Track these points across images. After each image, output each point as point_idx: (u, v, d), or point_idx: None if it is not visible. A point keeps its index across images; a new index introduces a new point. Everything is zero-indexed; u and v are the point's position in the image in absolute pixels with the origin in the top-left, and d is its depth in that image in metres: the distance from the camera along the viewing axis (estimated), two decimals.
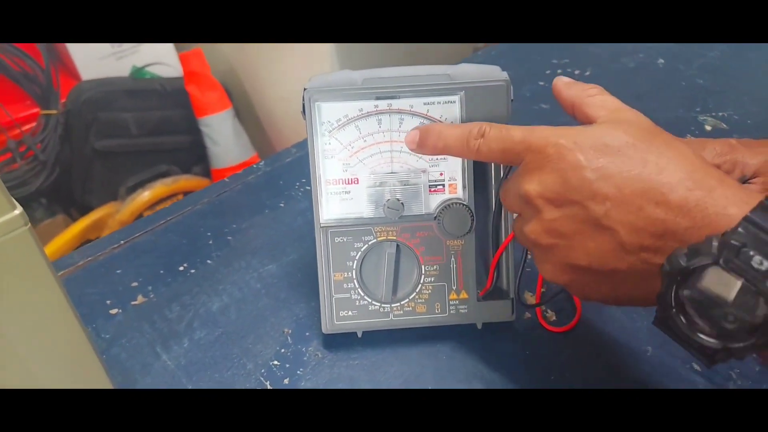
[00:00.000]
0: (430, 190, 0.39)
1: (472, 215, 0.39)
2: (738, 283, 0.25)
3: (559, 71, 0.72)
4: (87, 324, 0.44)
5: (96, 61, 1.45)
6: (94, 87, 1.41)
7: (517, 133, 0.32)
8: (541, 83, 0.69)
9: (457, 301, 0.41)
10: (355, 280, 0.40)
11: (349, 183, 0.39)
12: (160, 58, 1.48)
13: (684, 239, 0.27)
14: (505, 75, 0.39)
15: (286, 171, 0.57)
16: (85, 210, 1.47)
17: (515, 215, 0.35)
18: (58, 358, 0.32)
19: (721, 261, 0.25)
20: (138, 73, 1.47)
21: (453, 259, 0.40)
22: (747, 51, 0.73)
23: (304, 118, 0.39)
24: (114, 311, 0.45)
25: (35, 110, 1.40)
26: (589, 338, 0.42)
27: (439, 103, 0.38)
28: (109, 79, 1.43)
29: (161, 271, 0.48)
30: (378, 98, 0.38)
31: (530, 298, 0.44)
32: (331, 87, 0.38)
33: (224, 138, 1.46)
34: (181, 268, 0.48)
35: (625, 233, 0.28)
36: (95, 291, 0.47)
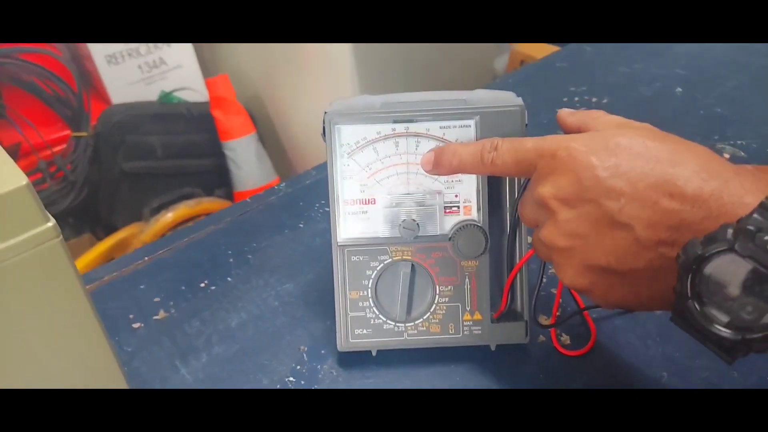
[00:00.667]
0: (445, 212, 0.40)
1: (487, 237, 0.40)
2: (749, 267, 0.24)
3: (576, 99, 0.73)
4: (110, 337, 0.45)
5: (126, 86, 1.51)
6: (123, 111, 1.46)
7: (529, 142, 0.33)
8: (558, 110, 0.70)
9: (471, 322, 0.41)
10: (370, 299, 0.41)
11: (366, 203, 0.40)
12: (188, 84, 1.53)
13: (700, 230, 0.27)
14: (519, 100, 0.40)
15: (306, 192, 0.59)
16: (110, 230, 1.51)
17: (533, 237, 0.35)
18: (83, 369, 0.34)
19: (736, 246, 0.25)
20: (166, 97, 1.51)
21: (467, 280, 0.41)
22: (764, 79, 0.73)
23: (324, 140, 0.40)
24: (137, 325, 0.46)
25: (66, 132, 1.45)
26: (604, 363, 0.42)
27: (455, 127, 0.39)
28: (138, 103, 1.48)
29: (182, 287, 0.49)
30: (396, 122, 0.39)
31: (545, 322, 0.44)
32: (351, 110, 0.40)
33: (247, 162, 1.49)
34: (202, 285, 0.49)
35: (642, 228, 0.28)
36: (119, 305, 0.48)
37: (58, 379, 0.33)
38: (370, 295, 0.41)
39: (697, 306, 0.26)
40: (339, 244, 0.40)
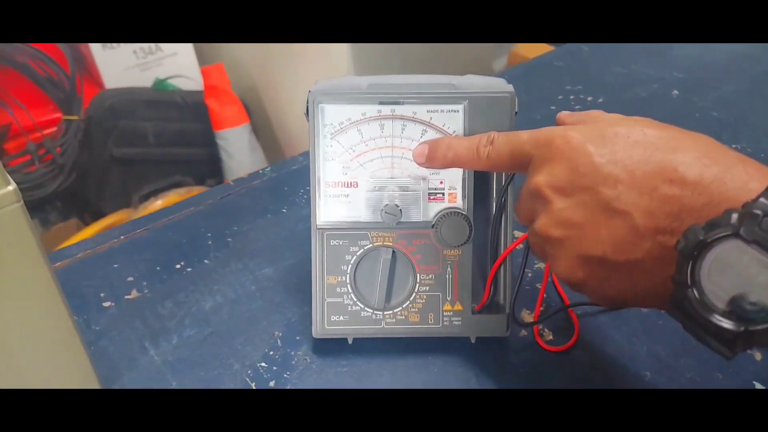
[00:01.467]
0: (429, 198, 0.39)
1: (471, 225, 0.39)
2: (755, 253, 0.23)
3: (571, 97, 0.72)
4: (78, 315, 0.44)
5: (120, 71, 1.49)
6: (116, 95, 1.44)
7: (524, 134, 0.32)
8: (553, 107, 0.69)
9: (451, 313, 0.40)
10: (348, 285, 0.39)
11: (348, 186, 0.39)
12: (183, 71, 1.51)
13: (701, 217, 0.25)
14: (510, 87, 0.39)
15: (292, 178, 0.57)
16: (98, 215, 1.49)
17: (529, 233, 0.34)
18: (42, 340, 0.32)
19: (741, 231, 0.23)
20: (160, 84, 1.50)
21: (449, 269, 0.39)
22: (762, 86, 0.72)
23: (308, 120, 0.39)
24: (107, 304, 0.45)
25: (57, 115, 1.43)
26: (586, 360, 0.40)
27: (442, 111, 0.38)
28: (131, 88, 1.46)
29: (158, 268, 0.48)
30: (381, 103, 0.38)
31: (528, 317, 0.43)
32: (336, 90, 0.38)
33: (240, 152, 1.48)
34: (178, 266, 0.48)
35: (639, 216, 0.27)
36: (90, 283, 0.46)
37: (16, 348, 0.31)
38: (348, 281, 0.39)
39: (696, 294, 0.25)
40: (318, 226, 0.39)
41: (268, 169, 0.58)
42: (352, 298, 0.40)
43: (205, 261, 0.48)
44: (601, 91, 0.73)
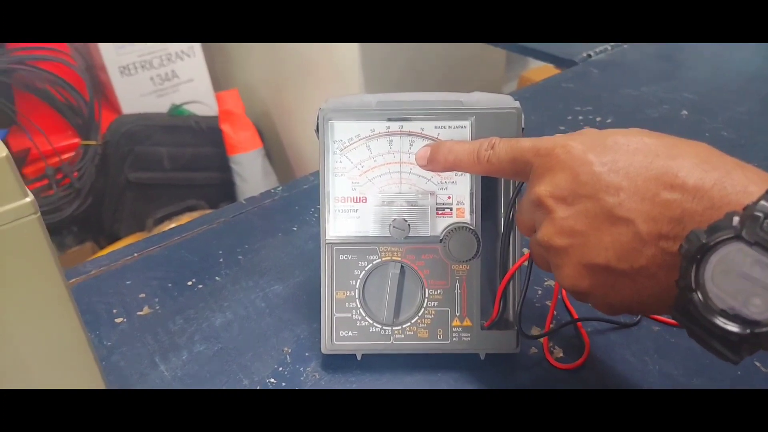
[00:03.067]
0: (437, 213, 0.39)
1: (479, 240, 0.39)
2: (757, 255, 0.23)
3: (580, 118, 0.72)
4: (91, 331, 0.44)
5: (138, 97, 1.52)
6: (133, 121, 1.47)
7: (526, 142, 0.32)
8: (562, 128, 0.70)
9: (460, 329, 0.40)
10: (357, 300, 0.40)
11: (357, 201, 0.39)
12: (198, 97, 1.54)
13: (703, 221, 0.26)
14: (517, 103, 0.39)
15: (303, 197, 0.58)
16: (112, 239, 1.51)
17: (530, 243, 0.34)
18: (55, 351, 0.33)
19: (743, 233, 0.23)
20: (176, 110, 1.53)
21: (458, 284, 0.40)
22: None
23: (318, 137, 0.39)
24: (119, 320, 0.45)
25: (76, 140, 1.46)
26: (597, 378, 0.40)
27: (450, 127, 0.39)
28: (147, 114, 1.49)
29: (169, 285, 0.48)
30: (390, 120, 0.39)
31: (537, 333, 0.43)
32: (346, 107, 0.39)
33: (253, 175, 1.49)
34: (190, 283, 0.48)
35: (642, 222, 0.27)
36: (103, 300, 0.47)
37: (29, 359, 0.32)
38: (357, 296, 0.39)
39: (701, 298, 0.25)
40: (327, 241, 0.39)
41: (279, 188, 0.59)
42: (360, 314, 0.40)
43: (216, 278, 0.49)
44: (611, 113, 0.73)
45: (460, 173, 0.39)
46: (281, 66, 1.51)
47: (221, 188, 1.53)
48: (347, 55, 1.30)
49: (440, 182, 0.39)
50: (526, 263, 0.39)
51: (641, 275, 0.28)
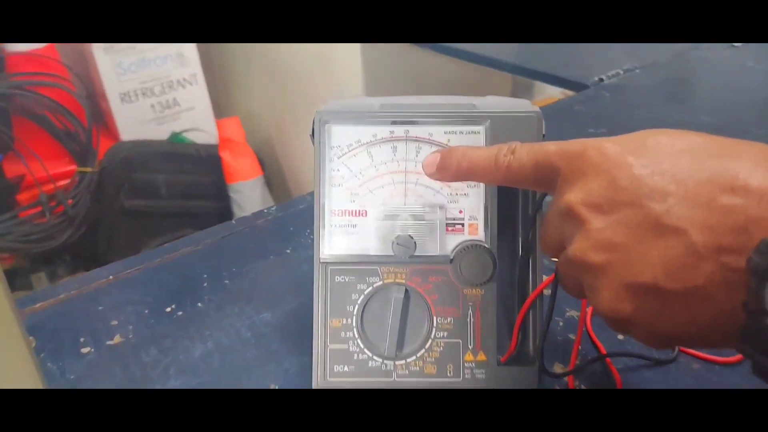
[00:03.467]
0: (447, 229, 0.34)
1: (495, 260, 0.34)
2: None
3: None
4: (54, 362, 0.39)
5: (137, 124, 1.50)
6: (131, 147, 1.44)
7: (551, 145, 0.28)
8: None
9: (474, 364, 0.34)
10: (354, 329, 0.34)
11: (356, 215, 0.35)
12: (199, 125, 1.52)
13: None
14: (536, 108, 0.35)
15: (298, 217, 0.53)
16: None
17: (558, 263, 0.29)
18: None
19: None
20: (176, 138, 1.50)
21: (471, 312, 0.34)
22: None
23: (313, 143, 0.35)
24: (86, 350, 0.40)
25: (72, 167, 1.43)
26: None
27: (461, 132, 0.34)
28: (146, 141, 1.46)
29: (146, 311, 0.43)
30: (394, 123, 0.34)
31: (561, 371, 0.37)
32: (345, 109, 0.35)
33: (252, 204, 1.45)
34: (168, 310, 0.43)
35: (696, 232, 0.23)
36: (71, 326, 0.42)
37: None
38: (354, 324, 0.34)
39: None
40: (322, 260, 0.35)
41: (273, 208, 0.55)
42: (358, 345, 0.34)
43: (199, 304, 0.44)
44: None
45: (473, 184, 0.34)
46: (283, 94, 1.49)
47: (219, 217, 1.49)
48: (351, 82, 1.27)
49: (451, 194, 0.35)
50: (548, 288, 0.34)
51: (696, 297, 0.23)
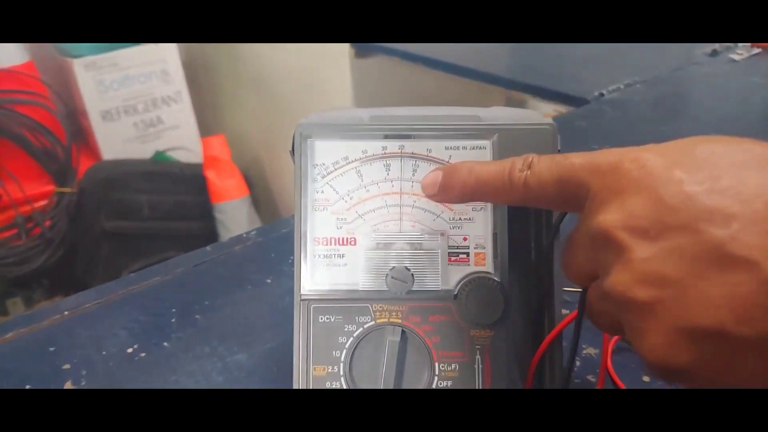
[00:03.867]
0: (450, 259, 0.30)
1: (506, 295, 0.29)
2: None
3: None
4: None
5: (120, 143, 1.45)
6: (112, 167, 1.39)
7: (576, 158, 0.23)
8: None
9: None
10: (342, 378, 0.29)
11: (343, 244, 0.30)
12: (184, 143, 1.47)
13: None
14: (549, 119, 0.31)
15: (280, 243, 0.48)
16: None
17: (587, 294, 0.24)
18: None
19: None
20: (159, 157, 1.45)
21: (479, 356, 0.29)
22: None
23: (293, 160, 0.30)
24: None
25: (50, 187, 1.37)
26: None
27: (465, 147, 0.30)
28: (128, 160, 1.41)
29: (103, 353, 0.38)
30: (387, 137, 0.30)
31: None
32: (330, 122, 0.30)
33: (238, 225, 1.40)
34: (130, 351, 0.38)
35: None
36: (16, 370, 0.36)
37: None
38: (342, 373, 0.29)
39: None
40: (303, 296, 0.29)
41: (253, 232, 0.50)
42: None
43: (165, 344, 0.38)
44: None
45: (479, 206, 0.30)
46: (271, 111, 1.45)
47: (204, 239, 1.43)
48: (341, 100, 1.24)
49: (453, 219, 0.30)
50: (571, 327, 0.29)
51: None
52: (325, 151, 0.30)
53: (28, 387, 0.35)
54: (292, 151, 0.30)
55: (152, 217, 1.39)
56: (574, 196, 0.23)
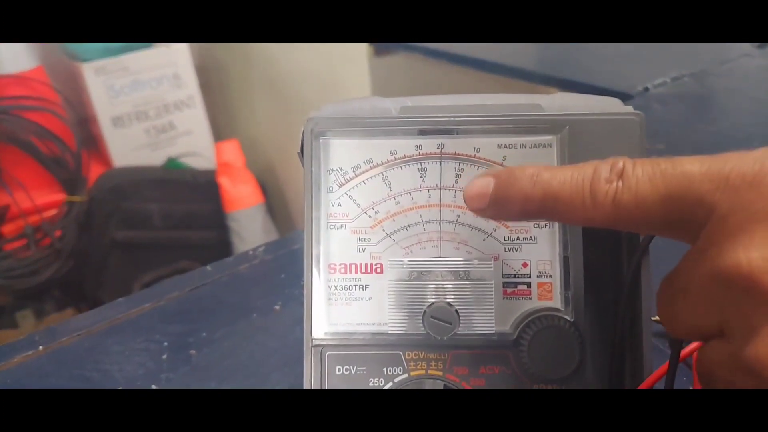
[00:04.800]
0: (505, 292, 0.23)
1: (583, 341, 0.22)
2: None
3: (652, 157, 0.57)
4: None
5: (131, 150, 1.41)
6: (122, 175, 1.35)
7: (692, 164, 0.17)
8: None
9: None
10: None
11: (367, 272, 0.23)
12: (197, 149, 1.42)
13: None
14: (630, 108, 0.24)
15: (292, 262, 0.42)
16: (95, 305, 1.35)
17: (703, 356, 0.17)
18: None
19: None
20: (172, 163, 1.41)
21: None
22: None
23: (303, 164, 0.24)
24: None
25: (60, 196, 1.33)
26: None
27: (523, 146, 0.23)
28: (139, 167, 1.37)
29: None
30: (423, 134, 0.23)
31: None
32: (349, 115, 0.24)
33: (252, 234, 1.34)
34: None
35: None
36: None
37: None
38: None
39: None
40: (315, 342, 0.23)
41: (261, 248, 0.43)
42: None
43: (152, 386, 0.32)
44: (691, 151, 0.57)
45: (543, 223, 0.23)
46: (287, 116, 1.40)
47: (217, 248, 1.38)
48: None
49: (509, 238, 0.23)
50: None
51: None
52: (342, 153, 0.23)
53: None
54: (301, 153, 0.24)
55: (164, 227, 1.35)
56: (688, 219, 0.17)
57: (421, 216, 0.23)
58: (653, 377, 0.22)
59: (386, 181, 0.23)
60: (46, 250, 1.32)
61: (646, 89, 0.74)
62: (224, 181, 1.34)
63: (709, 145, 0.59)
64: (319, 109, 0.24)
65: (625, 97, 0.73)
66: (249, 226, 1.35)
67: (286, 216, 1.46)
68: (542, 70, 0.86)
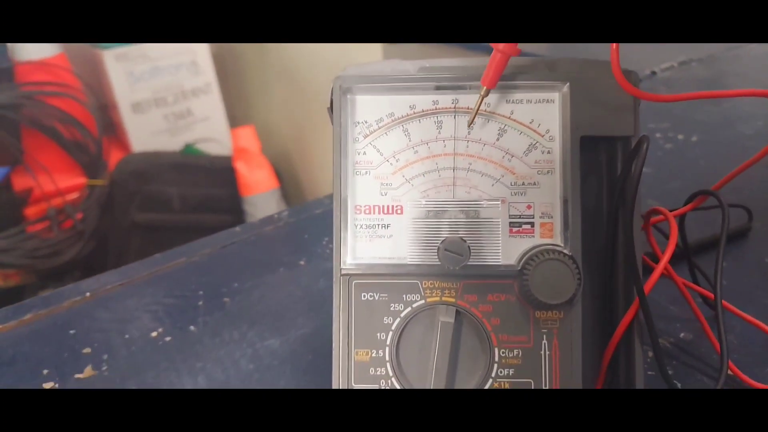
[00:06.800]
0: (511, 230, 0.26)
1: (579, 272, 0.25)
2: None
3: (658, 135, 0.59)
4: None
5: (149, 135, 1.44)
6: (142, 159, 1.38)
7: None
8: None
9: None
10: (388, 364, 0.26)
11: (388, 212, 0.26)
12: (214, 136, 1.46)
13: None
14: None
15: (315, 223, 0.45)
16: None
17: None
18: None
19: None
20: (189, 149, 1.44)
21: (545, 342, 0.25)
22: None
23: (331, 118, 0.27)
24: (48, 385, 0.32)
25: (82, 179, 1.37)
26: None
27: (529, 101, 0.26)
28: (158, 152, 1.40)
29: (126, 336, 0.35)
30: (439, 89, 0.26)
31: None
32: (373, 74, 0.27)
33: None
34: (154, 335, 0.35)
35: None
36: (33, 355, 0.34)
37: None
38: (387, 358, 0.26)
39: None
40: (344, 271, 0.26)
41: (285, 212, 0.46)
42: (393, 385, 0.26)
43: (191, 328, 0.35)
44: (693, 129, 0.60)
45: (546, 169, 0.26)
46: (301, 102, 1.43)
47: None
48: None
49: (515, 183, 0.26)
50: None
51: None
52: (367, 107, 0.26)
53: (45, 372, 0.33)
54: (331, 108, 0.27)
55: (182, 210, 1.38)
56: None
57: (437, 164, 0.26)
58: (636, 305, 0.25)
59: (406, 133, 0.26)
60: (68, 231, 1.36)
61: (654, 73, 0.76)
62: (240, 167, 1.37)
63: (712, 124, 0.61)
64: (345, 69, 0.27)
65: None
66: (264, 210, 1.38)
67: (301, 200, 1.49)
68: (549, 53, 0.88)
